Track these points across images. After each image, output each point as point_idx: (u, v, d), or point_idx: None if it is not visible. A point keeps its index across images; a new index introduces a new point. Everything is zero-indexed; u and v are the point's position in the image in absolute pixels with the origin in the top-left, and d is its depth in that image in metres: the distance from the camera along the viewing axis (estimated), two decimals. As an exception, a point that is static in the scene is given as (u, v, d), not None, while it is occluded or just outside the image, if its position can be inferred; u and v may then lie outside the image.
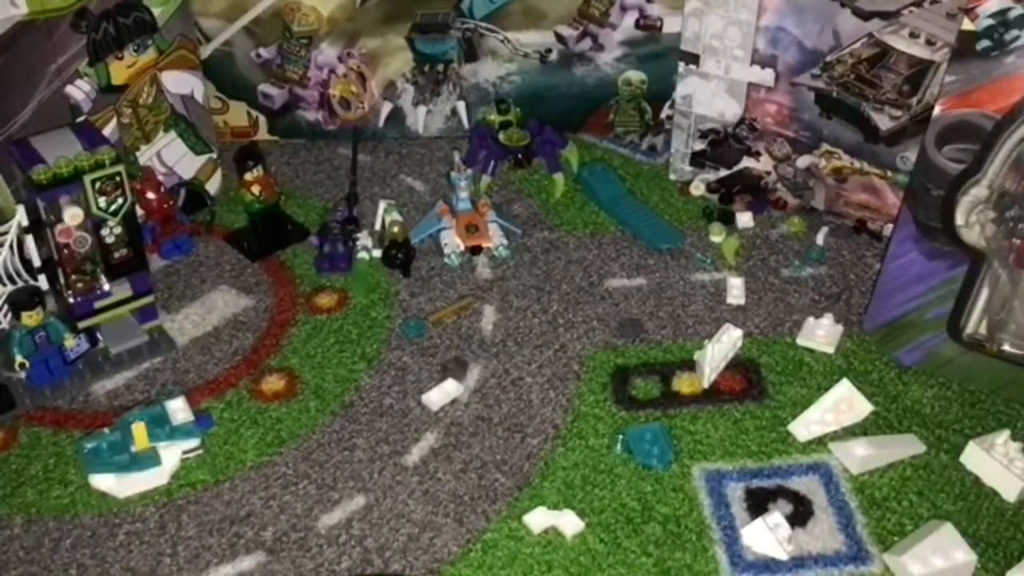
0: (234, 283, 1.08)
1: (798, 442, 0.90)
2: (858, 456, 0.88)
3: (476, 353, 0.99)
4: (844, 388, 0.92)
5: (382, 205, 1.15)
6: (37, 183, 0.88)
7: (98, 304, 0.96)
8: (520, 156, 1.20)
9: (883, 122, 1.05)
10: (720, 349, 0.95)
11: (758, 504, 0.85)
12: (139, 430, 0.87)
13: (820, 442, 0.90)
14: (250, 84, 1.24)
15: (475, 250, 1.10)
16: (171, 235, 1.10)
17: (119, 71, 1.04)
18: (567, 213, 1.18)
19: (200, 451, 0.89)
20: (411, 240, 1.10)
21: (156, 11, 1.05)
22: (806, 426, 0.91)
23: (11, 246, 0.94)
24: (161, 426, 0.88)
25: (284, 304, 1.05)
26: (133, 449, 0.86)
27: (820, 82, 1.07)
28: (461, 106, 1.27)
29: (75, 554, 0.81)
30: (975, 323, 0.93)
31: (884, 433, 0.91)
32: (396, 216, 1.11)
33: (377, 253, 1.10)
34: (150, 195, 1.08)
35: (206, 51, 1.19)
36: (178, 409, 0.90)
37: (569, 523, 0.83)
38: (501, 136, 1.20)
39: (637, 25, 1.22)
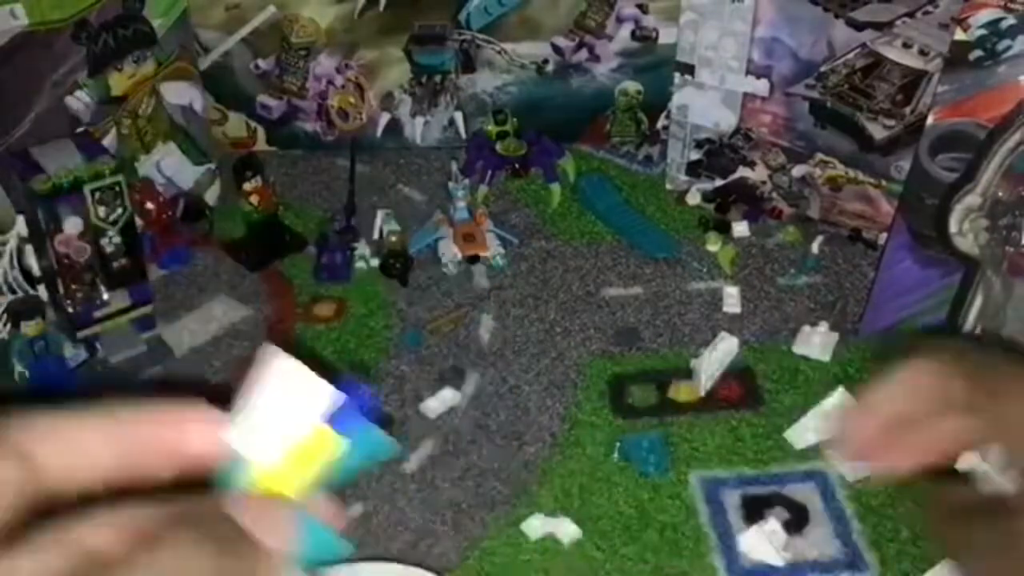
0: (232, 293, 1.08)
1: (794, 449, 0.91)
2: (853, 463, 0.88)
3: (474, 362, 1.00)
4: (840, 396, 0.93)
5: (380, 215, 1.15)
6: (37, 193, 0.89)
7: (97, 314, 0.96)
8: (517, 166, 1.20)
9: (877, 132, 1.06)
10: (716, 357, 0.96)
11: (755, 511, 0.85)
12: (138, 439, 0.87)
13: (816, 449, 0.90)
14: (248, 95, 1.25)
15: (473, 259, 1.10)
16: (170, 245, 1.11)
17: (118, 82, 1.05)
18: (564, 222, 1.18)
19: (199, 460, 0.89)
20: (409, 250, 1.11)
21: (155, 23, 1.05)
22: (802, 433, 0.91)
23: (11, 256, 0.95)
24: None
25: (282, 313, 1.06)
26: (132, 458, 0.87)
27: (814, 92, 1.08)
28: (458, 116, 1.27)
29: (74, 562, 0.82)
30: (969, 331, 0.94)
31: (880, 440, 0.91)
32: (394, 226, 1.12)
33: (375, 263, 1.11)
34: (149, 205, 1.09)
35: (205, 62, 1.20)
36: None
37: (567, 530, 0.83)
38: (498, 146, 1.20)
39: (633, 36, 1.23)
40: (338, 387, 0.29)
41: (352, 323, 1.04)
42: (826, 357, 0.99)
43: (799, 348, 1.00)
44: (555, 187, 1.20)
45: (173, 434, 0.29)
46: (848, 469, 0.88)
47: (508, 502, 0.86)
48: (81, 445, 0.28)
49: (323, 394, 0.29)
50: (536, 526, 0.83)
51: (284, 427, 0.28)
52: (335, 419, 0.29)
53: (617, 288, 1.09)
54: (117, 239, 0.94)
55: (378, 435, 0.30)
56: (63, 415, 0.28)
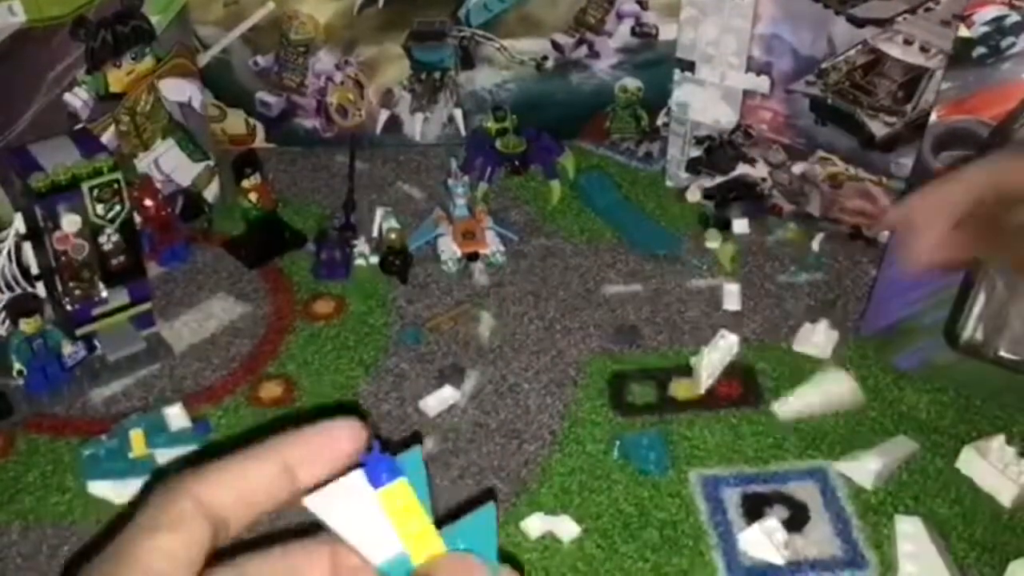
0: (231, 290, 1.08)
1: (795, 448, 0.90)
2: (872, 471, 0.86)
3: (473, 359, 0.99)
4: (835, 375, 0.93)
5: (379, 212, 1.15)
6: (35, 191, 0.88)
7: (96, 311, 0.96)
8: (517, 163, 1.20)
9: (878, 128, 1.05)
10: (716, 355, 0.96)
11: (755, 509, 0.85)
12: (136, 437, 0.87)
13: (816, 448, 0.90)
14: (248, 92, 1.24)
15: (472, 257, 1.10)
16: (169, 242, 1.10)
17: (117, 79, 1.05)
18: (564, 220, 1.18)
19: (198, 458, 0.89)
20: (408, 247, 1.10)
21: (154, 19, 1.05)
22: (789, 404, 0.92)
23: (9, 253, 0.94)
24: (158, 433, 0.88)
25: (281, 311, 1.05)
26: (131, 456, 0.86)
27: (815, 89, 1.07)
28: (458, 113, 1.27)
29: (73, 561, 0.82)
30: (971, 329, 0.93)
31: (879, 438, 0.91)
32: (393, 223, 1.12)
33: (374, 260, 1.10)
34: (148, 202, 1.08)
35: (204, 59, 1.20)
36: (175, 416, 0.90)
37: (566, 528, 0.83)
38: (498, 143, 1.20)
39: (633, 33, 1.23)
40: (358, 465, 0.32)
41: (351, 320, 1.04)
42: (826, 355, 0.99)
43: (799, 346, 1.00)
44: (555, 184, 1.20)
45: (325, 441, 0.32)
46: (863, 475, 0.88)
47: (508, 500, 0.86)
48: (250, 483, 0.31)
49: (359, 477, 0.32)
50: (536, 524, 0.83)
51: (372, 523, 0.32)
52: (377, 479, 0.32)
53: (617, 285, 1.09)
54: (116, 236, 0.94)
55: (411, 457, 0.33)
56: (227, 460, 0.31)
